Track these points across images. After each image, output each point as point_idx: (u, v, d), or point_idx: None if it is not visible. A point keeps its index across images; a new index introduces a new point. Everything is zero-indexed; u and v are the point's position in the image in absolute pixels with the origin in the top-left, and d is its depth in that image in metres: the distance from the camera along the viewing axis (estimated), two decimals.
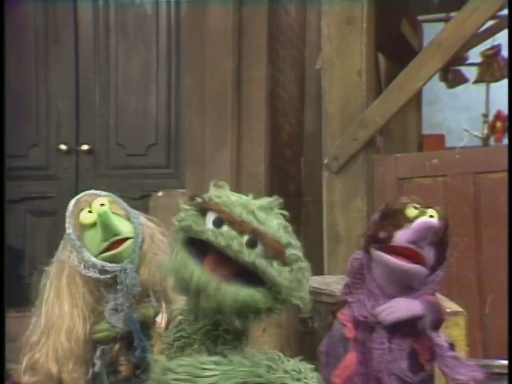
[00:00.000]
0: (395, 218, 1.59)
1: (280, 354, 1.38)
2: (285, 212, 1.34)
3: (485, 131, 5.97)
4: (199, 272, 1.25)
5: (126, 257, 1.58)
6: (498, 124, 5.78)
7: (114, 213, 1.59)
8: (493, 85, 5.85)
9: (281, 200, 1.34)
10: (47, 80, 4.25)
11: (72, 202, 1.63)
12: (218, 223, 1.27)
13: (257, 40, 3.94)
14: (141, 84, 4.17)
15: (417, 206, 1.61)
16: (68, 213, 1.62)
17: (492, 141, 5.89)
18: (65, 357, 1.56)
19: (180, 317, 1.39)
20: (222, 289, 1.24)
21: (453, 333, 1.84)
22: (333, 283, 2.31)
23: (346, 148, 2.96)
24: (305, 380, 1.34)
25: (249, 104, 3.91)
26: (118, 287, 1.58)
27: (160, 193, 3.76)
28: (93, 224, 1.57)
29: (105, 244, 1.56)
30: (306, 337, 1.99)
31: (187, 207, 1.33)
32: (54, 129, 4.25)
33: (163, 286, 1.67)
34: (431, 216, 1.57)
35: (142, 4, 4.16)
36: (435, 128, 6.61)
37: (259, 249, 1.26)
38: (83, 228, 1.59)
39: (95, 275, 1.58)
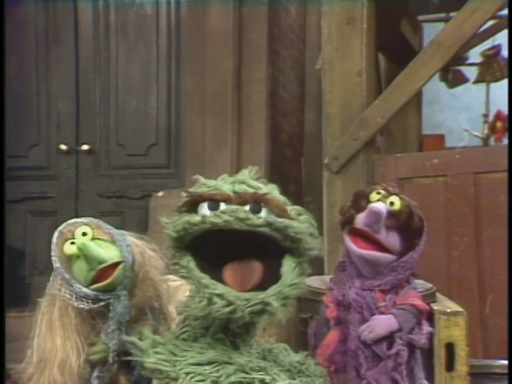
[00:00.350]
0: (358, 202, 1.67)
1: (287, 346, 1.40)
2: (265, 180, 1.37)
3: (485, 131, 5.97)
4: (229, 292, 1.24)
5: (118, 283, 1.57)
6: (498, 124, 5.78)
7: (98, 239, 1.58)
8: (493, 85, 5.85)
9: (257, 168, 1.38)
10: (47, 80, 4.26)
11: (55, 234, 1.61)
12: (213, 206, 1.27)
13: (258, 41, 3.94)
14: (141, 84, 4.17)
15: (381, 191, 1.64)
16: (53, 246, 1.60)
17: (492, 141, 5.89)
18: None
19: (185, 313, 1.39)
20: (242, 302, 1.24)
21: (454, 333, 1.84)
22: None
23: (346, 148, 2.96)
24: (308, 372, 1.36)
25: (250, 104, 3.92)
26: (110, 314, 1.57)
27: (160, 193, 3.77)
28: (78, 255, 1.57)
29: (92, 273, 1.54)
30: (306, 337, 1.99)
31: (173, 217, 1.32)
32: (55, 129, 4.26)
33: (159, 303, 1.66)
34: (391, 203, 1.61)
35: (142, 4, 4.17)
36: (435, 128, 6.61)
37: (263, 212, 1.27)
38: (69, 259, 1.58)
39: (88, 305, 1.57)
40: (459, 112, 7.17)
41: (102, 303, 1.56)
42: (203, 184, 1.33)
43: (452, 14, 4.33)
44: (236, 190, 1.29)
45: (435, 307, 1.86)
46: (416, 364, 1.65)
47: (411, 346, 1.63)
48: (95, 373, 1.59)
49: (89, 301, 1.56)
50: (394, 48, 4.30)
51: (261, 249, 1.29)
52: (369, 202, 1.64)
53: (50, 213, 4.17)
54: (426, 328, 1.65)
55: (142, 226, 3.62)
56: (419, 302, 1.64)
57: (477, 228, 2.77)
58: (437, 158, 2.90)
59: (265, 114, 3.94)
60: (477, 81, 5.86)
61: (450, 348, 1.82)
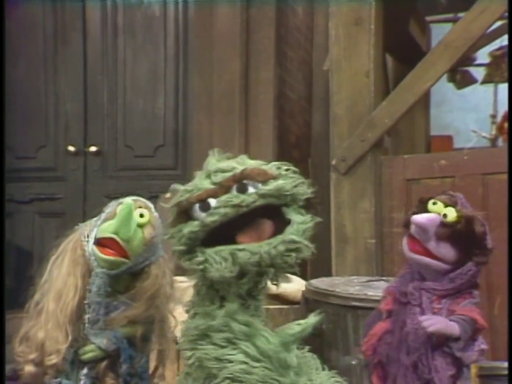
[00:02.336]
0: (418, 207, 1.69)
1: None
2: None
3: (493, 132, 5.96)
4: (249, 244, 1.29)
5: (108, 267, 1.60)
6: (506, 125, 5.76)
7: (141, 229, 1.61)
8: (501, 86, 5.83)
9: (217, 149, 1.47)
10: (55, 82, 4.27)
11: (133, 197, 1.68)
12: (204, 207, 1.30)
13: (265, 42, 3.94)
14: (149, 86, 4.17)
15: (438, 202, 1.66)
16: (119, 200, 1.64)
17: (500, 142, 5.87)
18: (47, 319, 1.57)
19: (192, 311, 1.40)
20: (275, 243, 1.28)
21: None
22: (341, 284, 2.31)
23: (354, 149, 2.96)
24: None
25: (257, 105, 3.92)
26: (87, 287, 1.59)
27: (167, 195, 3.76)
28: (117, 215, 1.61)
29: (108, 234, 1.59)
30: (314, 339, 1.99)
31: (171, 230, 1.34)
32: (63, 130, 4.27)
33: (161, 325, 1.68)
34: (444, 215, 1.63)
35: (150, 5, 4.17)
36: (443, 129, 6.59)
37: (251, 188, 1.31)
38: (114, 215, 1.63)
39: (86, 251, 1.63)
40: (467, 113, 7.14)
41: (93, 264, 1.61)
42: (184, 191, 1.35)
43: (460, 14, 4.32)
44: (215, 181, 1.32)
45: None
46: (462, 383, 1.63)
47: (458, 362, 1.61)
48: (84, 371, 1.60)
49: (88, 251, 1.62)
50: (402, 48, 4.30)
51: (264, 212, 1.33)
52: (426, 210, 1.66)
53: (58, 214, 4.19)
54: (479, 344, 1.64)
55: None
56: (479, 318, 1.62)
57: None
58: (445, 159, 2.90)
59: (272, 115, 3.94)
60: (485, 82, 5.84)
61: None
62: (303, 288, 2.42)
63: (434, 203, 1.65)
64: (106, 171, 4.21)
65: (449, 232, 1.62)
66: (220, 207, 1.29)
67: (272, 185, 1.32)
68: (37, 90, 4.27)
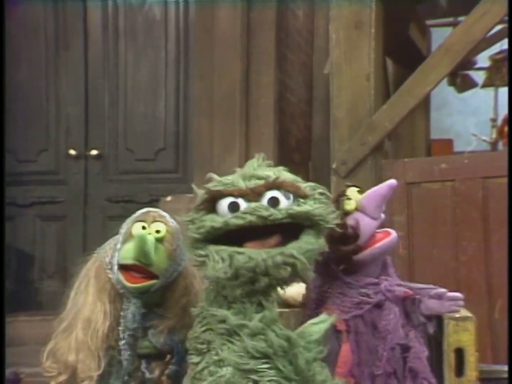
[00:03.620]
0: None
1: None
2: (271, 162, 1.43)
3: (494, 136, 5.95)
4: (252, 251, 1.29)
5: (140, 292, 1.61)
6: (507, 128, 5.76)
7: (161, 243, 1.61)
8: (501, 90, 5.82)
9: (263, 154, 1.43)
10: (56, 85, 4.28)
11: (143, 210, 1.66)
12: (234, 206, 1.30)
13: (266, 45, 3.95)
14: (150, 89, 4.18)
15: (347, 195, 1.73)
16: (132, 217, 1.66)
17: (500, 145, 5.87)
18: (79, 348, 1.58)
19: (201, 314, 1.41)
20: (287, 253, 1.29)
21: (463, 338, 1.83)
22: None
23: (354, 153, 2.96)
24: None
25: (258, 108, 3.92)
26: (122, 313, 1.60)
27: (168, 198, 3.77)
28: (135, 238, 1.60)
29: (130, 260, 1.58)
30: None
31: (189, 217, 1.35)
32: (64, 134, 4.28)
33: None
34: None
35: (151, 9, 4.18)
36: (443, 132, 6.59)
37: (282, 201, 1.31)
38: (130, 236, 1.62)
39: (113, 279, 1.63)
40: (467, 116, 7.14)
41: (122, 290, 1.62)
42: (219, 182, 1.35)
43: (461, 18, 4.33)
44: (248, 186, 1.33)
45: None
46: None
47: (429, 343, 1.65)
48: (144, 365, 1.63)
49: (113, 276, 1.62)
50: (402, 52, 4.30)
51: (279, 228, 1.33)
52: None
53: (59, 217, 4.19)
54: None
55: None
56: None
57: (486, 233, 2.76)
58: (445, 163, 2.90)
59: (273, 118, 3.95)
60: (485, 85, 5.84)
61: (459, 353, 1.81)
62: (304, 291, 2.42)
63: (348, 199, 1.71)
64: (107, 175, 4.22)
65: None
66: (247, 213, 1.29)
67: (304, 208, 1.33)
68: (38, 93, 4.28)
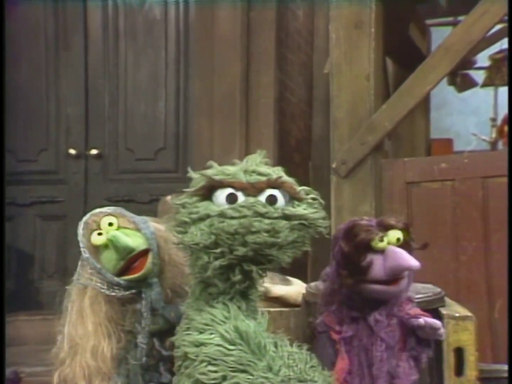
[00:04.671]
0: (356, 254, 1.61)
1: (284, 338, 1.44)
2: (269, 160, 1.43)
3: (494, 135, 5.95)
4: (236, 220, 1.29)
5: (149, 272, 1.60)
6: (506, 128, 5.76)
7: (123, 227, 1.61)
8: (501, 89, 5.83)
9: (264, 151, 1.43)
10: (56, 85, 4.28)
11: (81, 225, 1.64)
12: (232, 198, 1.31)
13: (265, 45, 3.95)
14: (150, 89, 4.19)
15: (379, 236, 1.59)
16: (79, 237, 1.63)
17: (500, 145, 5.87)
18: (92, 375, 1.58)
19: (187, 313, 1.42)
20: (268, 222, 1.29)
21: (462, 337, 1.83)
22: None
23: (354, 153, 2.96)
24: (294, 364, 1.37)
25: (257, 108, 3.93)
26: (143, 302, 1.60)
27: (168, 197, 3.77)
28: (106, 245, 1.59)
29: (122, 262, 1.58)
30: (314, 341, 1.99)
31: (182, 200, 1.36)
32: (64, 133, 4.28)
33: (183, 281, 1.69)
34: (398, 240, 1.58)
35: (151, 9, 4.18)
36: (443, 132, 6.59)
37: (280, 200, 1.33)
38: (97, 249, 1.61)
39: (120, 293, 1.60)
40: (467, 116, 7.15)
41: (134, 290, 1.60)
42: (220, 171, 1.36)
43: (460, 18, 4.33)
44: (249, 180, 1.34)
45: (444, 311, 1.86)
46: None
47: (419, 366, 1.64)
48: (157, 343, 1.63)
49: (121, 288, 1.60)
50: (402, 52, 4.30)
51: None
52: (368, 250, 1.60)
53: (59, 217, 4.19)
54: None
55: None
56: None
57: (486, 233, 2.77)
58: (445, 162, 2.90)
59: (273, 119, 3.95)
60: (485, 85, 5.84)
61: (459, 352, 1.81)
62: (304, 291, 2.42)
63: (381, 240, 1.57)
64: (107, 174, 4.22)
65: (411, 247, 1.59)
66: (244, 207, 1.29)
67: (299, 210, 1.34)
68: (39, 93, 4.28)
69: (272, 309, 2.13)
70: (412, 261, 1.54)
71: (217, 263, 1.32)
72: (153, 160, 4.17)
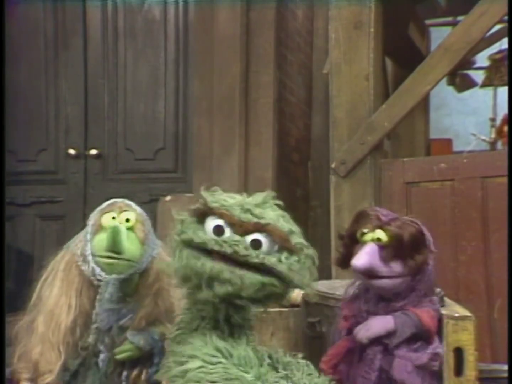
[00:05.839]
0: (348, 246, 1.67)
1: (310, 365, 1.42)
2: (280, 202, 1.38)
3: (493, 135, 5.95)
4: (210, 263, 1.28)
5: (116, 272, 1.60)
6: (506, 128, 5.76)
7: (133, 231, 1.62)
8: (500, 89, 5.83)
9: (274, 193, 1.40)
10: (56, 85, 4.28)
11: (109, 202, 1.67)
12: (218, 230, 1.29)
13: (265, 45, 3.95)
14: (149, 89, 4.19)
15: (365, 231, 1.61)
16: (98, 209, 1.66)
17: (499, 145, 5.87)
18: (40, 341, 1.58)
19: (180, 317, 1.42)
20: (239, 274, 1.27)
21: (462, 337, 1.83)
22: (341, 287, 2.31)
23: (353, 153, 2.96)
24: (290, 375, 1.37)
25: (257, 108, 3.92)
26: (97, 296, 1.60)
27: (168, 198, 3.78)
28: (107, 229, 1.60)
29: (106, 253, 1.58)
30: (314, 342, 1.99)
31: (182, 217, 1.35)
32: (63, 133, 4.28)
33: (169, 319, 1.68)
34: (378, 239, 1.59)
35: (151, 9, 4.18)
36: (442, 132, 6.59)
37: (264, 247, 1.29)
38: (100, 227, 1.62)
39: (86, 270, 1.62)
40: (466, 116, 7.15)
41: (95, 278, 1.61)
42: (218, 200, 1.36)
43: (460, 18, 4.33)
44: (240, 218, 1.31)
45: (443, 311, 1.86)
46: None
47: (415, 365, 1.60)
48: (125, 373, 1.61)
49: (87, 266, 1.62)
50: (401, 52, 4.30)
51: None
52: (357, 243, 1.64)
53: (59, 217, 4.19)
54: (434, 347, 1.61)
55: None
56: (426, 318, 1.61)
57: (485, 233, 2.77)
58: (444, 162, 2.90)
59: (273, 118, 3.95)
60: (484, 85, 5.84)
61: (458, 352, 1.81)
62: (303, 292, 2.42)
63: (362, 234, 1.61)
64: (106, 174, 4.22)
65: (391, 251, 1.59)
66: (227, 244, 1.28)
67: (279, 266, 1.31)
68: (38, 93, 4.28)
69: (271, 309, 2.13)
70: (358, 262, 1.57)
71: (189, 295, 1.35)
72: (153, 160, 4.17)
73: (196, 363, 1.32)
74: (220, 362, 1.30)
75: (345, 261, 1.66)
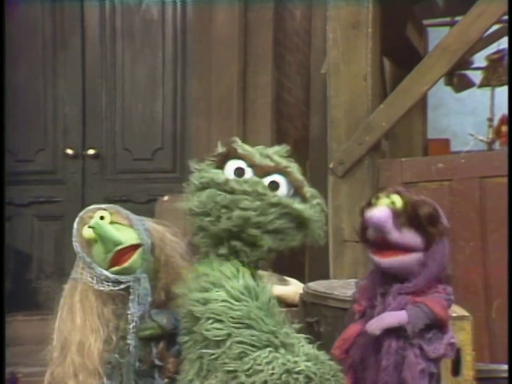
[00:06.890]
0: (361, 216, 1.60)
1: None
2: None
3: (491, 136, 5.96)
4: (231, 196, 1.37)
5: (137, 266, 1.60)
6: (504, 128, 5.77)
7: (116, 223, 1.61)
8: (498, 90, 5.84)
9: (288, 148, 1.52)
10: (54, 85, 4.28)
11: (76, 220, 1.65)
12: (239, 172, 1.35)
13: (263, 45, 3.95)
14: (147, 89, 4.19)
15: (379, 195, 1.57)
16: (74, 232, 1.64)
17: (497, 145, 5.88)
18: (78, 371, 1.57)
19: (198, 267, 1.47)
20: (258, 204, 1.35)
21: (460, 337, 1.84)
22: (339, 287, 2.31)
23: (351, 153, 2.96)
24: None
25: (255, 108, 3.93)
26: (130, 297, 1.59)
27: (166, 198, 3.78)
28: (96, 239, 1.59)
29: (109, 255, 1.58)
30: (313, 342, 1.99)
31: (202, 164, 1.44)
32: (61, 133, 4.27)
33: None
34: (392, 203, 1.54)
35: (149, 9, 4.18)
36: (440, 132, 6.61)
37: (281, 189, 1.37)
38: (89, 243, 1.61)
39: (109, 288, 1.60)
40: (464, 116, 7.16)
41: (122, 286, 1.60)
42: (240, 145, 1.45)
43: (458, 18, 4.33)
44: (259, 162, 1.40)
45: None
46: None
47: (426, 357, 1.57)
48: (154, 350, 1.62)
49: (110, 283, 1.60)
50: (399, 52, 4.31)
51: None
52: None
53: (57, 217, 4.19)
54: (448, 338, 1.55)
55: None
56: (438, 308, 1.57)
57: (483, 233, 2.77)
58: (442, 163, 2.90)
59: (271, 119, 3.95)
60: (482, 85, 5.85)
61: (456, 352, 1.82)
62: (301, 291, 2.42)
63: (376, 199, 1.56)
64: (104, 174, 4.22)
65: (405, 217, 1.53)
66: (247, 183, 1.35)
67: (295, 204, 1.37)
68: (36, 93, 4.28)
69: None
70: (372, 213, 1.50)
71: (205, 232, 1.37)
72: (151, 160, 4.17)
73: (221, 295, 1.34)
74: (246, 301, 1.32)
75: (363, 234, 1.61)
